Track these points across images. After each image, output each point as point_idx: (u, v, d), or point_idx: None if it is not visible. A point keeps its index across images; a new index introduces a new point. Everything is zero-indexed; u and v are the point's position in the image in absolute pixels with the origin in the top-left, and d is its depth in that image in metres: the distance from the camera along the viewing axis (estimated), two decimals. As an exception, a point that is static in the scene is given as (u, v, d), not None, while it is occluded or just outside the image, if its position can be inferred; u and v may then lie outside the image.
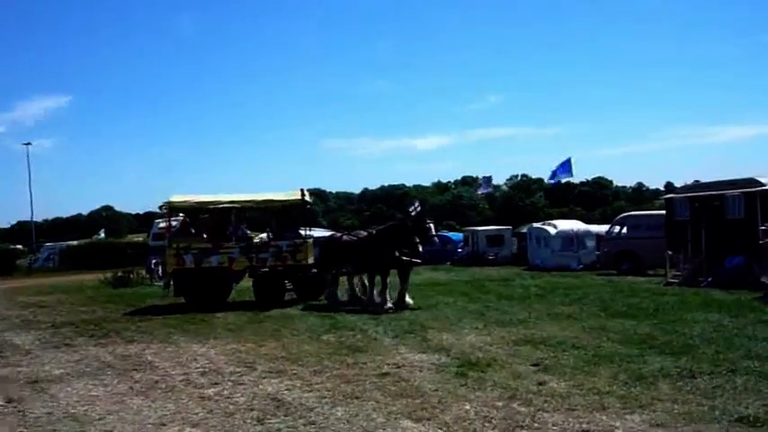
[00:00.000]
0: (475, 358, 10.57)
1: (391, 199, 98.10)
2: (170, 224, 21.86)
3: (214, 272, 19.78)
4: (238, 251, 19.87)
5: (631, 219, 30.47)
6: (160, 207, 21.81)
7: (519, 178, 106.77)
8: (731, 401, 7.73)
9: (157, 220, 44.71)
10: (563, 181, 47.84)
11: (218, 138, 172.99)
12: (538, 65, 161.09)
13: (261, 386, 9.39)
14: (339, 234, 20.37)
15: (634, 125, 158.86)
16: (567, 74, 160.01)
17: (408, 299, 17.71)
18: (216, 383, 9.73)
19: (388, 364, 10.40)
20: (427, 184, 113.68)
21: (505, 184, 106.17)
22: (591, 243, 33.38)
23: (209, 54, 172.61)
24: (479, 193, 68.61)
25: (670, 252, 23.51)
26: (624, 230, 29.49)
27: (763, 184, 20.78)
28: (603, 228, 33.18)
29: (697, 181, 27.46)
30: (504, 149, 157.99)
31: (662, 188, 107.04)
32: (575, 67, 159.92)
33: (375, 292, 17.92)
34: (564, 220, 38.47)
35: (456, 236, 45.95)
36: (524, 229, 41.26)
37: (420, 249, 18.12)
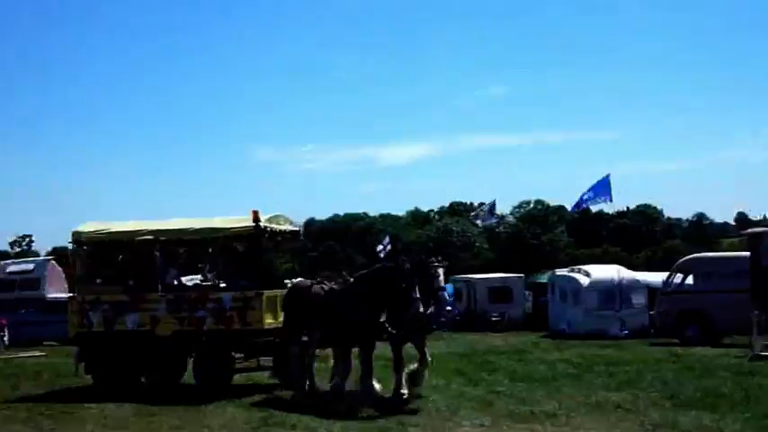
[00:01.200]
0: (482, 475, 10.06)
1: (348, 234, 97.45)
2: (75, 265, 21.18)
3: (133, 338, 19.00)
4: (165, 306, 19.06)
5: (700, 263, 30.22)
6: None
7: (531, 206, 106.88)
8: None
9: (5, 262, 43.92)
10: (594, 209, 47.67)
11: (108, 147, 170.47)
12: (555, 45, 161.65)
13: None
14: (308, 281, 18.42)
15: (693, 130, 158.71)
16: (597, 58, 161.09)
17: (404, 388, 16.13)
18: None
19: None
20: (400, 212, 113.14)
21: (512, 213, 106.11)
22: (640, 299, 33.33)
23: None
24: (478, 224, 68.11)
25: (757, 312, 23.23)
26: (689, 280, 29.30)
27: None
28: (656, 277, 32.92)
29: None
30: (509, 164, 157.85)
31: (731, 221, 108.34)
32: (609, 48, 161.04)
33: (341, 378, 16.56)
34: (600, 265, 38.31)
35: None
36: (543, 279, 41.01)
37: (422, 309, 16.04)
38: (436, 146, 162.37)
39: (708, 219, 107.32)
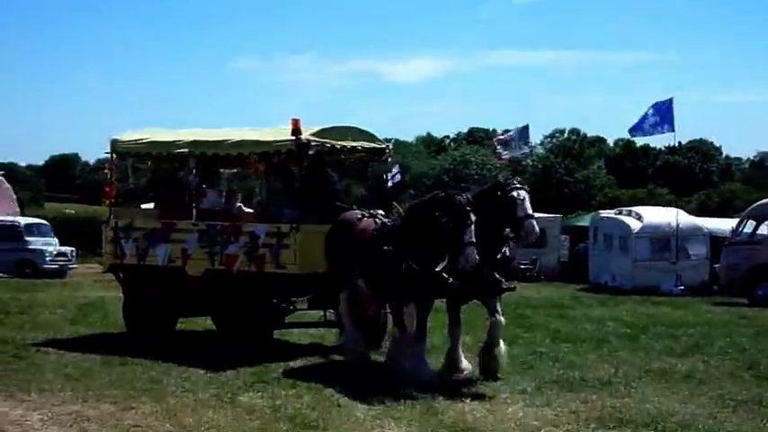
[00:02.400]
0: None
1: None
2: (112, 179, 20.27)
3: (165, 275, 18.51)
4: (197, 238, 18.28)
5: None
6: None
7: (564, 135, 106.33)
8: None
9: None
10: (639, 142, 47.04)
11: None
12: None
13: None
14: (358, 213, 16.72)
15: (762, 58, 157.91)
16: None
17: (464, 362, 15.10)
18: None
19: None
20: (409, 138, 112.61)
21: (542, 143, 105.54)
22: (700, 250, 33.32)
23: None
24: (504, 156, 66.92)
25: None
26: (764, 230, 28.98)
27: None
28: (721, 224, 32.69)
29: None
30: (539, 86, 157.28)
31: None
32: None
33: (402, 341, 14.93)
34: (654, 207, 38.15)
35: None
36: (583, 221, 40.85)
37: (506, 252, 14.80)
38: (453, 61, 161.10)
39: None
